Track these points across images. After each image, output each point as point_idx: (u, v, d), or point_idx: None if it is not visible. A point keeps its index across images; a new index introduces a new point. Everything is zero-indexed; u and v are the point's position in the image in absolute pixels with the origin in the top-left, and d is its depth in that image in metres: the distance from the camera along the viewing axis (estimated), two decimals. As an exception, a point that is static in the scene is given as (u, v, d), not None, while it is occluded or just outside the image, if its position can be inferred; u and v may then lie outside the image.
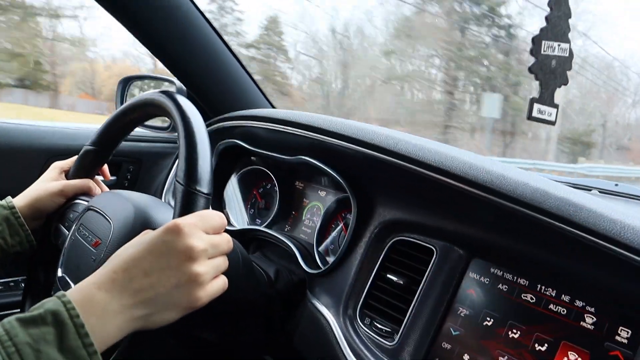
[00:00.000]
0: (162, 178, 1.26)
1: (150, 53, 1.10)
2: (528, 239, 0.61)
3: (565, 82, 0.64)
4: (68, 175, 0.82)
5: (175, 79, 1.20)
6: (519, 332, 0.61)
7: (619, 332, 0.54)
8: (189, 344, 0.83)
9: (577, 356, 0.55)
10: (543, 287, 0.61)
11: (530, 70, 0.60)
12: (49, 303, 0.46)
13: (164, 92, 0.67)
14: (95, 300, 0.48)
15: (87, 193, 0.80)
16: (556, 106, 0.64)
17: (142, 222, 0.63)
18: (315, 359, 0.77)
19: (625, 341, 0.53)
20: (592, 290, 0.57)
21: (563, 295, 0.59)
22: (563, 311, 0.58)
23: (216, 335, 0.76)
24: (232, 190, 1.10)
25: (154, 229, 0.55)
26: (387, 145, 0.74)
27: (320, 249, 0.90)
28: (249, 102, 1.24)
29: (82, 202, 0.77)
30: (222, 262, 0.56)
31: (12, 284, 1.10)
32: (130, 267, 0.51)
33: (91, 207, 0.70)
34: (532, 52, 0.60)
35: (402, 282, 0.72)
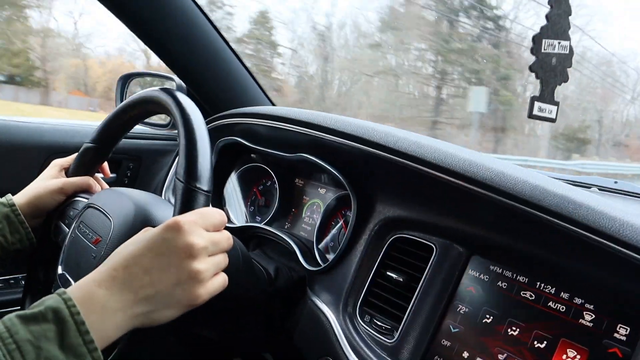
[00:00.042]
0: (162, 175, 1.26)
1: (148, 49, 1.10)
2: (527, 236, 0.62)
3: (566, 80, 0.64)
4: (68, 172, 0.82)
5: (175, 76, 1.20)
6: (518, 330, 0.61)
7: (617, 329, 0.54)
8: (189, 341, 0.83)
9: (576, 353, 0.56)
10: (542, 285, 0.61)
11: (531, 69, 0.61)
12: (50, 300, 0.46)
13: (164, 89, 0.67)
14: (96, 297, 0.48)
15: (87, 190, 0.80)
16: (557, 104, 0.64)
17: (142, 220, 0.64)
18: (315, 356, 0.77)
19: (624, 338, 0.53)
20: (591, 288, 0.57)
21: (562, 293, 0.59)
22: (562, 308, 0.59)
23: (216, 333, 0.76)
24: (232, 187, 1.10)
25: (154, 226, 0.55)
26: (387, 142, 0.74)
27: (320, 246, 0.90)
28: (249, 100, 1.24)
29: (82, 200, 0.77)
30: (222, 260, 0.57)
31: (12, 281, 1.10)
32: (130, 265, 0.51)
33: (91, 205, 0.71)
34: (532, 51, 0.60)
35: (401, 280, 0.72)
